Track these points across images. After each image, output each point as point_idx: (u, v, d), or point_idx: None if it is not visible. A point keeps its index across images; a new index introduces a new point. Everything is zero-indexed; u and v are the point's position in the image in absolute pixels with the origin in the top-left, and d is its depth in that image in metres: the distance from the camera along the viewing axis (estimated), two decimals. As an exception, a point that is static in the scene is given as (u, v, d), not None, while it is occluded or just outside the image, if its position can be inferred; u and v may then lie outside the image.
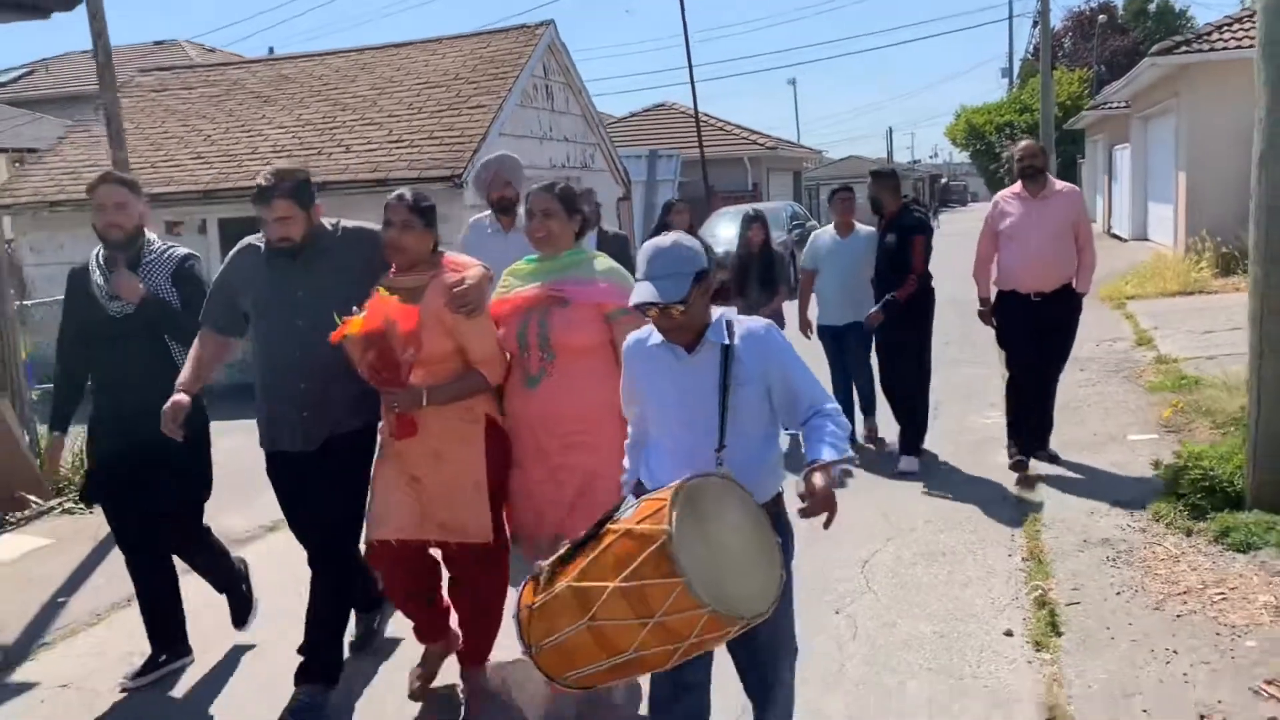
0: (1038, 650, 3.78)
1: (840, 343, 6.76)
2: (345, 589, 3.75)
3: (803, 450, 2.50)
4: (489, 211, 5.13)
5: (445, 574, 3.69)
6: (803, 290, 7.05)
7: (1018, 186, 5.85)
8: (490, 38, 13.03)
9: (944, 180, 67.92)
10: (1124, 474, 5.71)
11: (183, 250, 4.05)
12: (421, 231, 3.39)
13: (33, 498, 3.08)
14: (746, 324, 2.63)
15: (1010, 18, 47.51)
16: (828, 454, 2.43)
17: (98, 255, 3.98)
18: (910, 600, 4.29)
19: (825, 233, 6.97)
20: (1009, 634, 3.92)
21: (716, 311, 2.63)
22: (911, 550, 4.85)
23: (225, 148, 11.94)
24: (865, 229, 6.75)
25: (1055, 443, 6.11)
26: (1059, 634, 3.87)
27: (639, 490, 2.70)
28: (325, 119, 12.12)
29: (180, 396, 3.55)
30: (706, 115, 26.13)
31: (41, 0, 6.09)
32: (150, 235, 4.04)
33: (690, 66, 25.09)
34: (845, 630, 4.02)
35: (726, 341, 2.56)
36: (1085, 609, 4.06)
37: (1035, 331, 5.76)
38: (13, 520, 6.01)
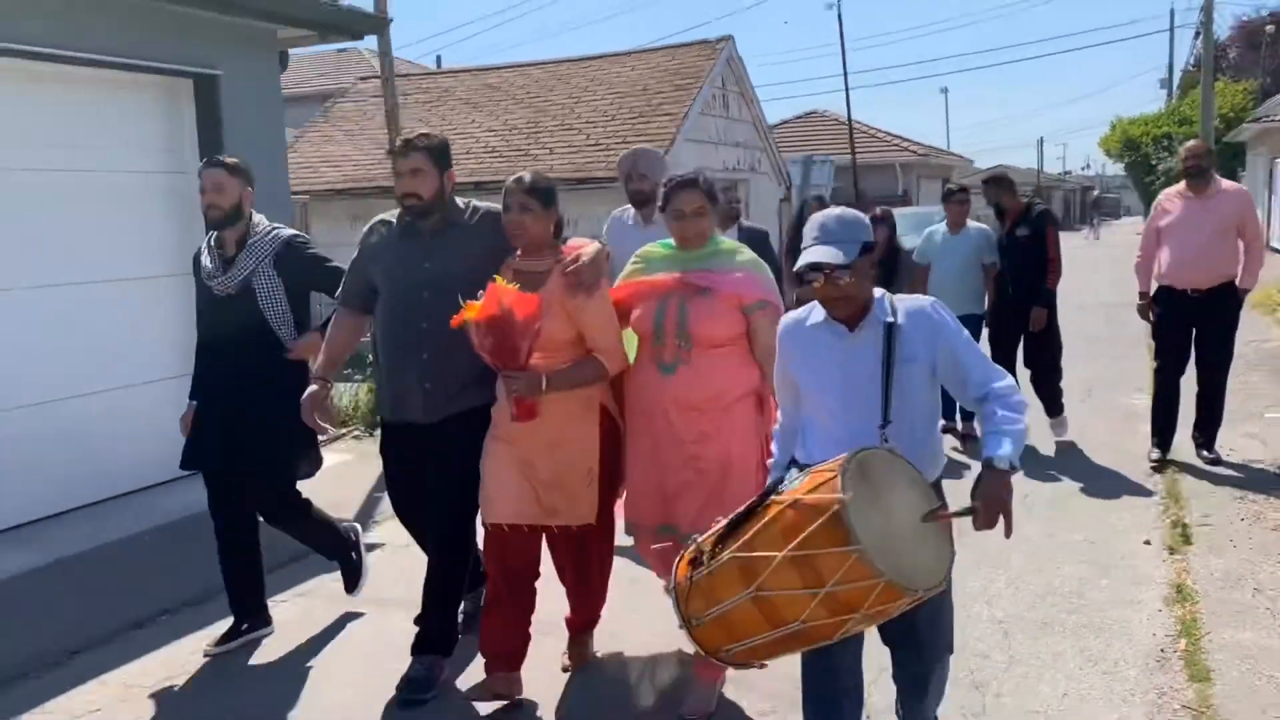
0: (1171, 553, 4.76)
1: None
2: (462, 563, 3.78)
3: (978, 433, 2.65)
4: (629, 205, 5.12)
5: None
6: (918, 284, 7.32)
7: (1182, 185, 6.01)
8: (675, 51, 14.35)
9: (1096, 193, 66.49)
10: (1257, 441, 6.54)
11: (289, 231, 4.13)
12: (540, 213, 3.38)
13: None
14: (911, 301, 2.63)
15: (1171, 29, 46.60)
16: (1003, 446, 2.37)
17: (210, 235, 4.13)
18: (1065, 519, 5.30)
19: (938, 230, 7.38)
20: (1147, 543, 4.90)
21: (879, 290, 2.64)
22: (1065, 488, 5.84)
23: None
24: (975, 225, 7.21)
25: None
26: (1189, 543, 4.84)
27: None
28: (529, 124, 13.63)
29: (315, 388, 3.73)
30: (859, 122, 26.95)
31: (355, 24, 7.62)
32: (257, 217, 4.11)
33: (845, 75, 26.02)
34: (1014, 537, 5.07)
35: (890, 319, 2.55)
36: (1213, 529, 5.01)
37: (1190, 328, 5.96)
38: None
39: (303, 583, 4.84)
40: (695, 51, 14.05)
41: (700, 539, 2.42)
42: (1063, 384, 7.03)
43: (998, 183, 7.06)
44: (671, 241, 3.43)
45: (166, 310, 6.36)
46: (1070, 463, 6.42)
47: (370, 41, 10.03)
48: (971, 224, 7.24)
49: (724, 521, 2.39)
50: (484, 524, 3.49)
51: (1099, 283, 16.40)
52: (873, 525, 2.16)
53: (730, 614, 2.27)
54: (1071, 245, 21.78)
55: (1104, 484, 5.90)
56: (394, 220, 3.70)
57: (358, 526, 4.59)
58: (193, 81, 6.65)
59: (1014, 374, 6.63)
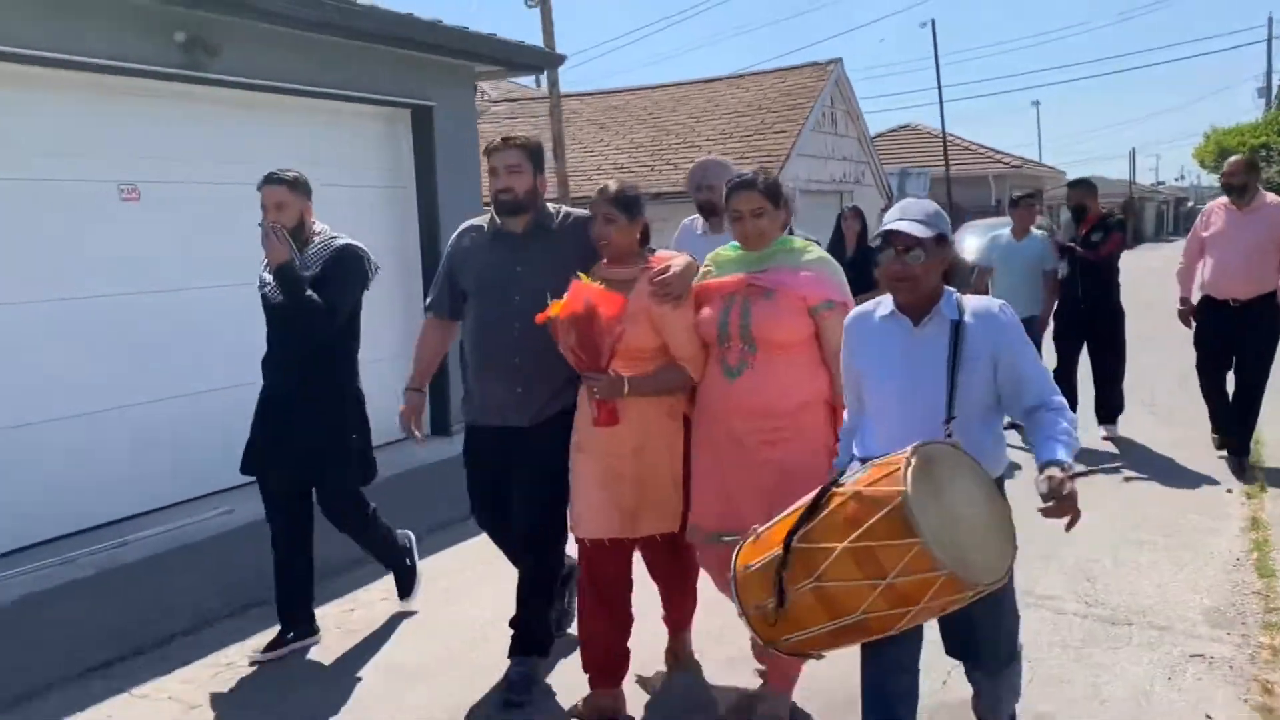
0: (1248, 498, 5.73)
1: None
2: (553, 564, 3.83)
3: (1027, 442, 2.61)
4: (698, 215, 5.06)
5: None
6: (978, 286, 7.64)
7: (1225, 199, 6.25)
8: (786, 74, 15.51)
9: (1190, 203, 65.55)
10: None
11: (343, 240, 4.16)
12: (625, 224, 3.39)
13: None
14: (982, 302, 2.62)
15: (1269, 37, 45.91)
16: (1062, 453, 2.38)
17: None
18: (1153, 472, 6.29)
19: (1003, 235, 7.68)
20: (1229, 491, 5.88)
21: (949, 289, 2.63)
22: (1149, 452, 6.82)
23: (574, 164, 14.87)
24: (1038, 232, 7.48)
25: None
26: (1264, 491, 5.80)
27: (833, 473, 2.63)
28: (653, 142, 14.90)
29: (413, 397, 3.88)
30: (952, 135, 27.73)
31: (536, 60, 8.93)
32: (321, 227, 4.19)
33: (940, 90, 26.83)
34: (1108, 483, 6.09)
35: (957, 317, 2.55)
36: (1285, 482, 5.97)
37: (1230, 337, 6.18)
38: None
39: (345, 594, 4.88)
40: (806, 74, 15.20)
41: (760, 529, 2.45)
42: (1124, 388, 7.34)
43: (1084, 185, 7.43)
44: (738, 243, 3.38)
45: (380, 307, 7.67)
46: (1151, 432, 7.37)
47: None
48: (1035, 231, 7.51)
49: (785, 513, 2.41)
50: (575, 540, 3.51)
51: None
52: (935, 518, 2.15)
53: (792, 603, 2.27)
54: (1165, 255, 22.37)
55: (1187, 450, 6.82)
56: (484, 225, 3.72)
57: (411, 534, 4.69)
58: (410, 111, 8.01)
59: (1074, 375, 7.27)
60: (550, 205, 3.71)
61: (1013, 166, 29.08)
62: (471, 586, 4.87)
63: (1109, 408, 7.27)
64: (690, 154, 14.32)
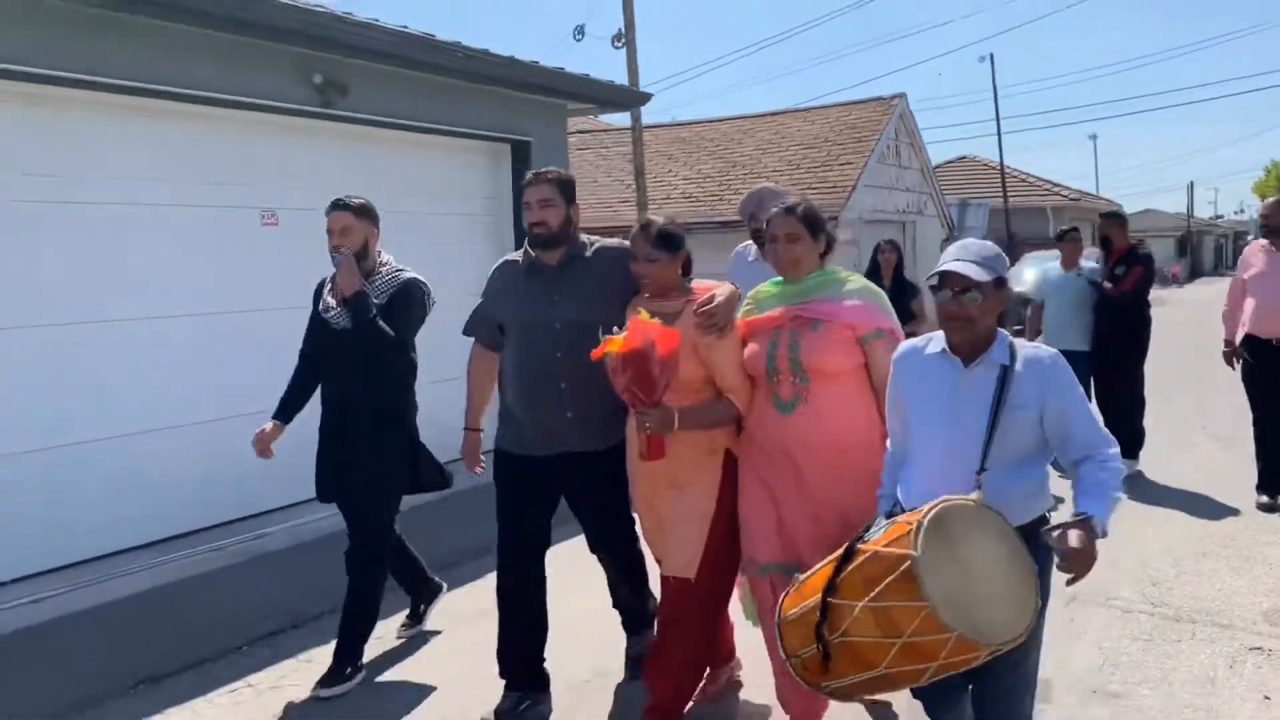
0: None
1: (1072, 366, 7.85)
2: (637, 572, 3.95)
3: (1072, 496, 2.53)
4: (750, 242, 5.19)
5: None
6: (1033, 319, 7.82)
7: (1265, 241, 6.34)
8: (851, 108, 16.01)
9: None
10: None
11: (409, 274, 4.20)
12: (667, 263, 3.40)
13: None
14: (1032, 349, 2.59)
15: (1333, 69, 45.52)
16: (1094, 508, 2.36)
17: (332, 275, 4.19)
18: (1208, 496, 6.64)
19: (1054, 268, 7.71)
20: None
21: (1003, 333, 2.61)
22: (1204, 475, 7.17)
23: (648, 194, 15.45)
24: (1088, 265, 7.48)
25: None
26: (1322, 510, 6.15)
27: (894, 509, 2.70)
28: (720, 173, 15.45)
29: (470, 437, 3.98)
30: (1010, 167, 27.99)
31: (624, 99, 9.53)
32: (386, 258, 4.24)
33: (998, 123, 27.17)
34: (1159, 511, 6.44)
35: (1007, 362, 2.53)
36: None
37: (1276, 374, 6.21)
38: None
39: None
40: (871, 108, 15.68)
41: (802, 578, 2.54)
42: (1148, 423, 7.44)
43: (1110, 218, 7.57)
44: (780, 279, 3.36)
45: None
46: (1209, 457, 7.69)
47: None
48: (1085, 263, 7.54)
49: (821, 564, 2.50)
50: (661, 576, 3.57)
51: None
52: (945, 579, 2.18)
53: (819, 656, 2.38)
54: (1220, 289, 22.36)
55: (1244, 474, 7.14)
56: (519, 260, 3.75)
57: (444, 584, 4.85)
58: (510, 145, 8.62)
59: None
60: (584, 236, 3.74)
61: (1070, 199, 29.23)
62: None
63: (1125, 443, 7.02)
64: (757, 184, 14.84)
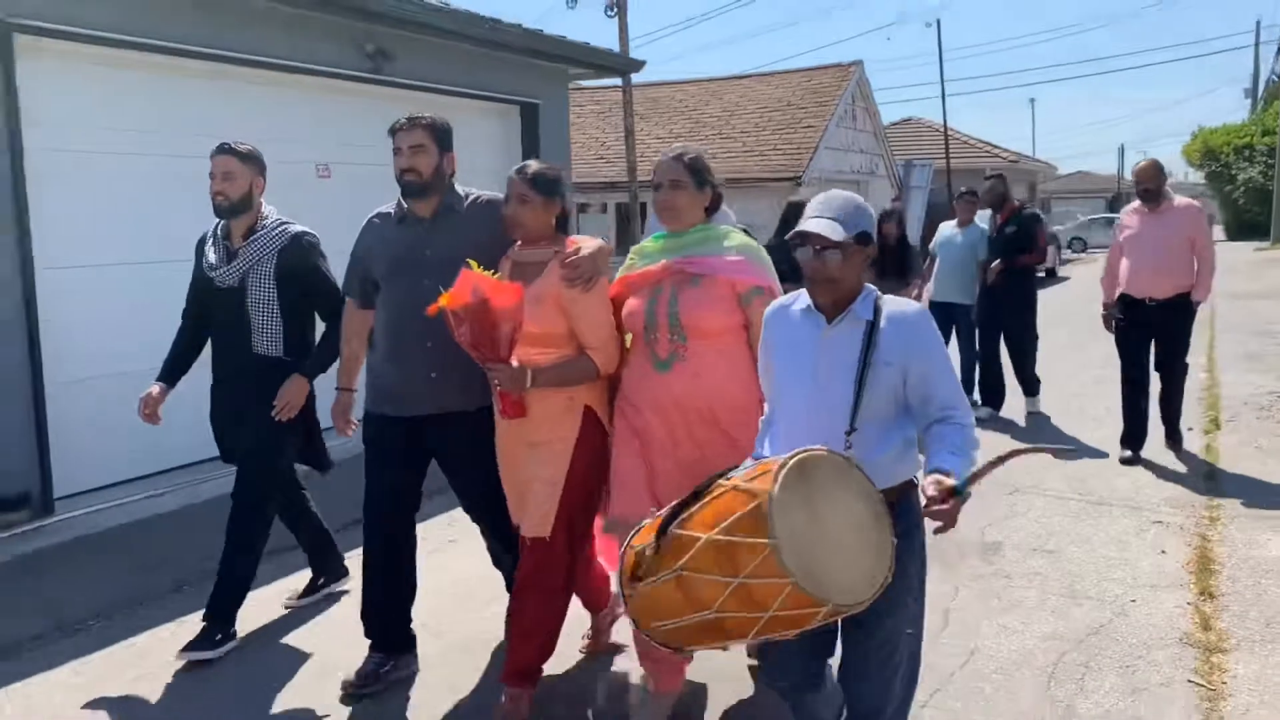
0: (1205, 434, 7.33)
1: (949, 317, 8.03)
2: (515, 538, 3.50)
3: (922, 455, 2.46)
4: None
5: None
6: (926, 272, 8.24)
7: (1138, 203, 6.47)
8: (812, 74, 17.07)
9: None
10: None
11: (297, 227, 3.98)
12: (539, 207, 3.28)
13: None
14: (898, 305, 2.48)
15: (1257, 41, 47.60)
16: (952, 462, 2.27)
17: (217, 225, 4.02)
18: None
19: (948, 225, 8.22)
20: (1190, 429, 7.47)
21: (868, 288, 2.51)
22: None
23: (618, 151, 16.39)
24: (979, 225, 8.00)
25: None
26: (1219, 429, 7.42)
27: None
28: (690, 133, 16.44)
29: (343, 397, 3.77)
30: (953, 130, 29.28)
31: (620, 65, 10.46)
32: (268, 209, 4.02)
33: (943, 87, 28.37)
34: (1096, 435, 7.67)
35: (871, 318, 2.43)
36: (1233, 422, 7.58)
37: (1148, 334, 6.42)
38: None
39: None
40: (831, 74, 16.75)
41: (659, 512, 2.39)
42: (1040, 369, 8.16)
43: (997, 179, 7.99)
44: (663, 232, 3.27)
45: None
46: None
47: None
48: (977, 223, 8.02)
49: (677, 501, 2.34)
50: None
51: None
52: (795, 524, 2.09)
53: (659, 589, 2.25)
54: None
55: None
56: (391, 211, 3.61)
57: (349, 572, 4.56)
58: (519, 107, 9.53)
59: (997, 358, 7.98)
60: (460, 188, 3.58)
61: (1010, 161, 30.63)
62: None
63: (1025, 384, 8.10)
64: (726, 144, 15.88)
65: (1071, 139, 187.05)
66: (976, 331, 8.07)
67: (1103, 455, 6.72)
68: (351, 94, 7.74)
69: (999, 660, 3.79)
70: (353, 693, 3.59)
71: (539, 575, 3.28)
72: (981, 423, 7.44)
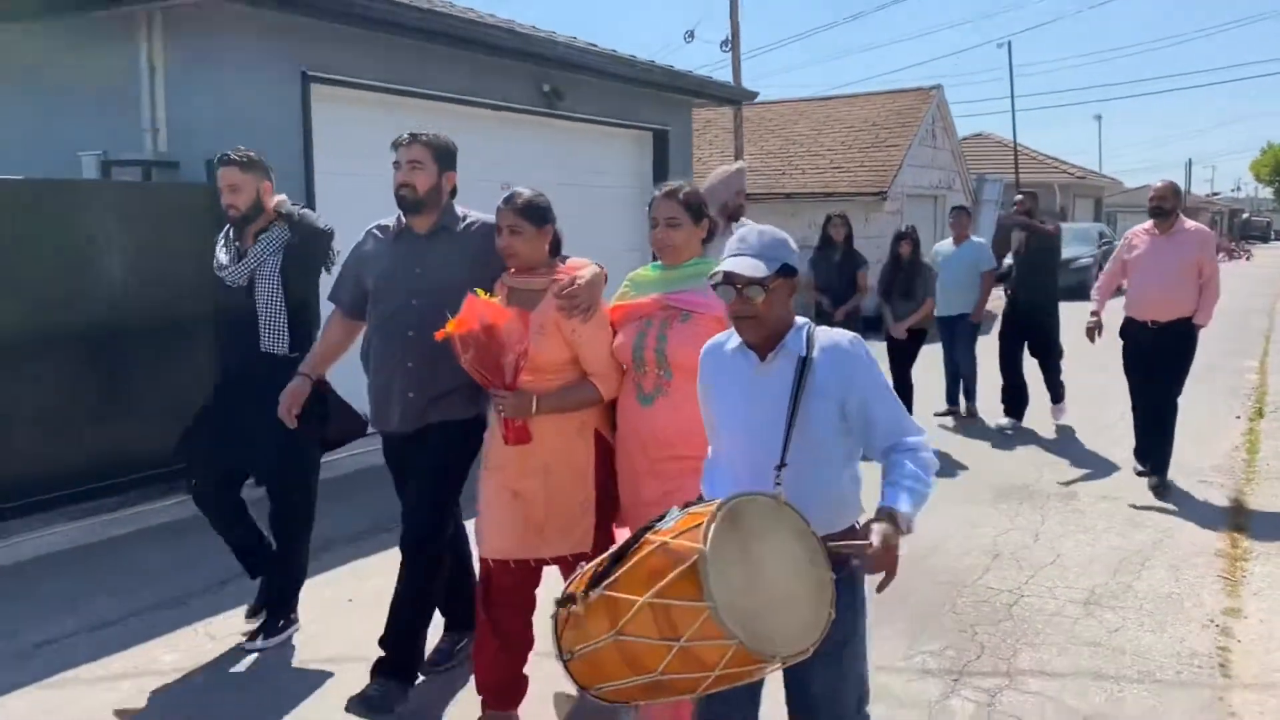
0: (1250, 421, 8.57)
1: (951, 331, 8.41)
2: (427, 579, 3.56)
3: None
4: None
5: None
6: (930, 286, 8.23)
7: (1149, 223, 6.33)
8: (896, 96, 18.42)
9: (1245, 215, 67.25)
10: None
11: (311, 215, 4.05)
12: (532, 235, 3.24)
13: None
14: (831, 336, 2.41)
15: (1330, 56, 47.70)
16: (902, 502, 2.20)
17: (226, 228, 4.05)
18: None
19: (945, 243, 8.57)
20: (1238, 417, 8.72)
21: (801, 320, 2.44)
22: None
23: (711, 166, 17.83)
24: (977, 240, 8.40)
25: None
26: (1261, 416, 8.66)
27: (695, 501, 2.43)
28: (780, 150, 17.86)
29: (298, 382, 3.68)
30: (1021, 145, 30.29)
31: (737, 96, 11.96)
32: (280, 196, 4.05)
33: (1013, 103, 29.43)
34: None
35: (804, 353, 2.35)
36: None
37: (1149, 357, 6.29)
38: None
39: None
40: (912, 97, 18.08)
41: (586, 567, 2.29)
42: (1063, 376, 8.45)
43: (1027, 197, 8.36)
44: (660, 263, 3.26)
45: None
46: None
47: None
48: (974, 239, 8.43)
49: (606, 554, 2.25)
50: (479, 558, 3.39)
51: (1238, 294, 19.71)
52: (731, 581, 2.00)
53: (598, 653, 2.14)
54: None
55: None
56: (390, 225, 3.59)
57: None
58: (652, 134, 11.05)
59: (1019, 370, 8.25)
60: (459, 209, 3.58)
61: (1076, 177, 31.60)
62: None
63: (1053, 388, 8.40)
64: (814, 161, 17.28)
65: (1140, 153, 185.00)
66: (999, 344, 8.31)
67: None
68: (529, 125, 9.31)
69: (1078, 559, 5.19)
70: (429, 672, 3.75)
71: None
72: (1005, 433, 8.15)
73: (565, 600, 2.24)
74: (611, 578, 2.15)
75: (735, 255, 2.38)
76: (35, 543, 5.46)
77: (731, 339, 2.51)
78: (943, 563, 5.11)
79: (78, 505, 5.70)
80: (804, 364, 2.35)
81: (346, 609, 4.60)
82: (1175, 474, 6.58)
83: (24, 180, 5.82)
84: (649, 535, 2.17)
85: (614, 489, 3.32)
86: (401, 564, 3.56)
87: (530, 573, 3.36)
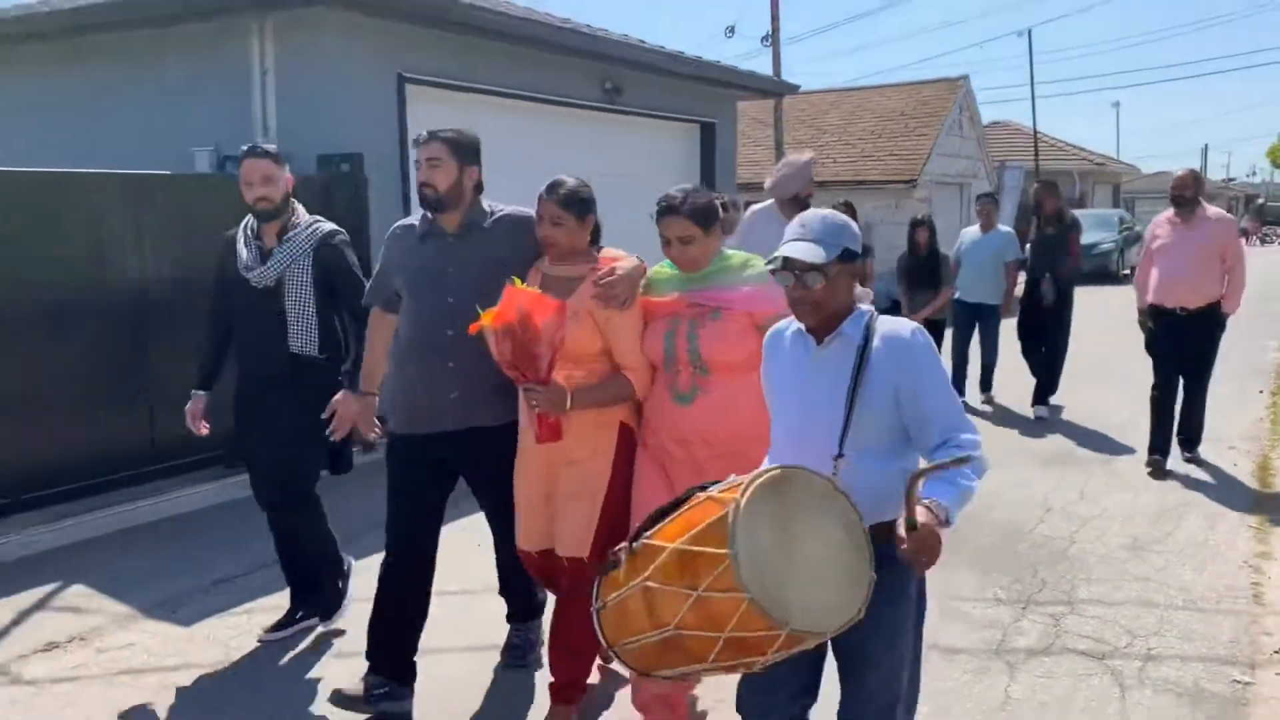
0: (1273, 395, 9.13)
1: (974, 317, 8.35)
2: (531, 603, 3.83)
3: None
4: (771, 203, 5.57)
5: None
6: (950, 274, 8.28)
7: (1171, 212, 6.44)
8: (923, 86, 18.95)
9: (1260, 200, 67.25)
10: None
11: (328, 225, 3.95)
12: (574, 227, 3.18)
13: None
14: (892, 325, 2.37)
15: (1347, 42, 47.82)
16: (946, 495, 2.14)
17: (247, 225, 3.95)
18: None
19: (972, 230, 8.50)
20: (1260, 391, 9.27)
21: (864, 307, 2.41)
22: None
23: (745, 155, 18.39)
24: (1003, 228, 8.33)
25: None
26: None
27: None
28: (811, 139, 18.41)
29: (361, 400, 3.63)
30: (1040, 133, 30.72)
31: (780, 90, 12.51)
32: (299, 207, 3.96)
33: (1033, 91, 29.84)
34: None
35: (862, 340, 2.33)
36: (1298, 388, 9.37)
37: (1178, 343, 6.39)
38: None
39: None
40: (940, 87, 18.62)
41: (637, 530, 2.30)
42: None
43: (1047, 186, 8.42)
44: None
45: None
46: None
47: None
48: (1001, 227, 8.38)
49: (656, 510, 2.29)
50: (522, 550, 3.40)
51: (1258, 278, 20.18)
52: (759, 539, 2.00)
53: (625, 602, 2.17)
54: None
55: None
56: (414, 224, 3.50)
57: (351, 559, 4.35)
58: (699, 126, 11.62)
59: (1034, 355, 8.40)
60: (485, 203, 3.48)
61: (1095, 164, 32.00)
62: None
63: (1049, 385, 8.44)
64: (845, 149, 17.83)
65: (1156, 140, 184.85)
66: (1020, 336, 8.42)
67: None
68: (590, 119, 9.90)
69: (1121, 512, 5.78)
70: (336, 703, 3.45)
71: (576, 592, 3.14)
72: (1043, 422, 8.19)
73: (612, 562, 2.28)
74: (656, 528, 2.21)
75: (795, 240, 2.36)
76: (191, 498, 6.13)
77: (791, 324, 2.51)
78: (1002, 515, 5.70)
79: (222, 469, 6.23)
80: (862, 352, 2.34)
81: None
82: (1207, 442, 7.06)
83: (145, 175, 6.38)
84: (699, 492, 2.22)
85: (628, 492, 3.24)
86: (507, 554, 3.62)
87: (557, 563, 3.31)
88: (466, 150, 3.41)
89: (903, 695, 2.45)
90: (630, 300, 3.14)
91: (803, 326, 2.44)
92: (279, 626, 4.21)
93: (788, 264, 2.33)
